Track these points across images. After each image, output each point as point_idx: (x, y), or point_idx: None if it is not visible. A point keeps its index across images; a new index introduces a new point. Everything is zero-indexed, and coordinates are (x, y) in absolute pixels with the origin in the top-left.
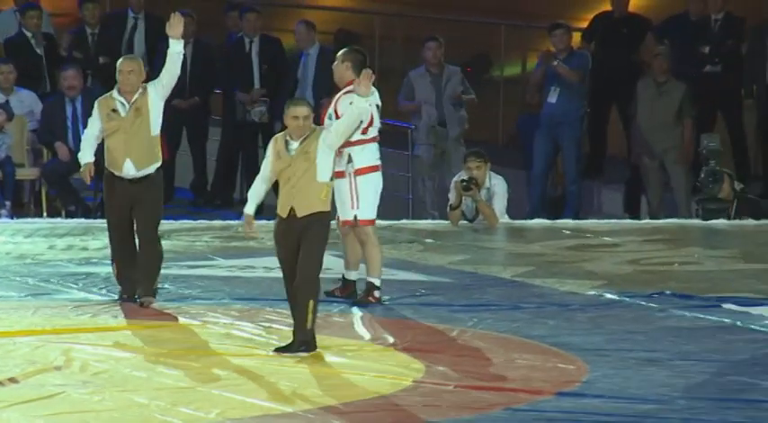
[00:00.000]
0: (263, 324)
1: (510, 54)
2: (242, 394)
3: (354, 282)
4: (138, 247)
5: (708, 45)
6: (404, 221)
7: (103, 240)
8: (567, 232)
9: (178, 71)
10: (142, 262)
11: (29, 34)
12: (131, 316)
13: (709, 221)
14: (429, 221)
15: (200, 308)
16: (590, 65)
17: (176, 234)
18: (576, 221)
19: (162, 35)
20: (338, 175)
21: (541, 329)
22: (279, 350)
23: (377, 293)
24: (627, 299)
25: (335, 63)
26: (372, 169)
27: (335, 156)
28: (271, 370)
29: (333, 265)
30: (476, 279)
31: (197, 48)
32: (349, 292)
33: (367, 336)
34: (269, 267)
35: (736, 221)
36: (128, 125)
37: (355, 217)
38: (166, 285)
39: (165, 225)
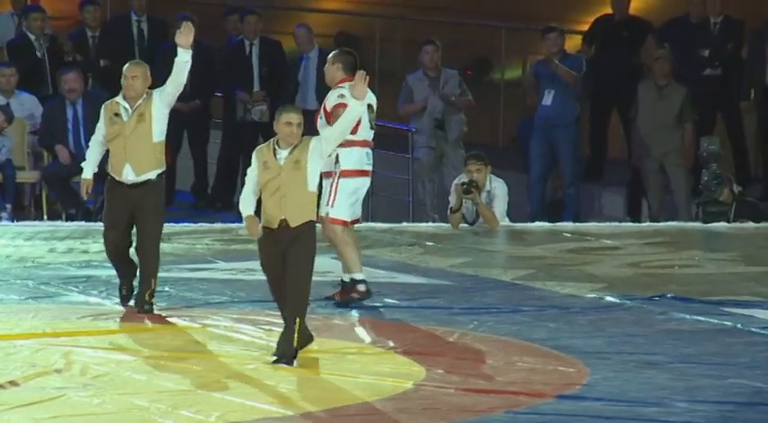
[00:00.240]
0: (263, 327)
1: (510, 57)
2: (242, 397)
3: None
4: (136, 255)
5: (707, 48)
6: (404, 224)
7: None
8: (568, 235)
9: (184, 80)
10: (140, 271)
11: (32, 37)
12: (132, 319)
13: (709, 224)
14: (429, 224)
15: (201, 311)
16: (584, 68)
17: (177, 237)
18: (577, 224)
19: (164, 39)
20: (326, 174)
21: (542, 332)
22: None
23: (361, 287)
24: (627, 302)
25: (327, 64)
26: (358, 173)
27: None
28: (271, 373)
29: (332, 268)
30: (476, 282)
31: (197, 51)
32: (347, 295)
33: (367, 339)
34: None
35: (737, 224)
36: (128, 130)
37: (327, 213)
38: (167, 288)
39: (166, 228)
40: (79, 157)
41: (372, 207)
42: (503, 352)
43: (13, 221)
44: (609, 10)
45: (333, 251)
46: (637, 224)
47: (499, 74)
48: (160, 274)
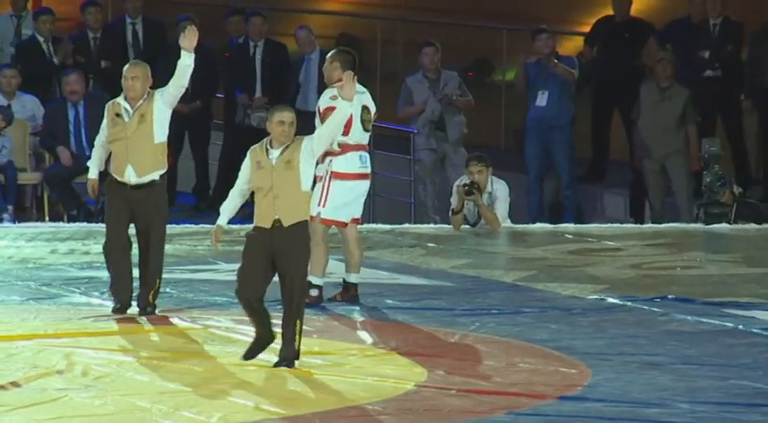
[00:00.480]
0: None
1: (512, 58)
2: (244, 398)
3: (355, 285)
4: (139, 256)
5: (707, 50)
6: (406, 225)
7: None
8: (570, 236)
9: (186, 83)
10: (143, 272)
11: (41, 39)
12: (133, 320)
13: (710, 226)
14: (431, 226)
15: (203, 312)
16: (577, 68)
17: (178, 238)
18: (578, 226)
19: (162, 41)
20: (320, 178)
21: (543, 333)
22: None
23: (313, 292)
24: (629, 303)
25: (325, 64)
26: (352, 176)
27: (319, 162)
28: (273, 374)
29: (334, 270)
30: (478, 283)
31: (198, 52)
32: (350, 296)
33: (369, 340)
34: None
35: (738, 226)
36: (130, 131)
37: (318, 213)
38: (168, 289)
39: (168, 229)
40: (81, 158)
41: (374, 208)
42: (504, 353)
43: (14, 223)
44: (610, 11)
45: (336, 253)
46: (638, 225)
47: (501, 75)
48: (162, 276)
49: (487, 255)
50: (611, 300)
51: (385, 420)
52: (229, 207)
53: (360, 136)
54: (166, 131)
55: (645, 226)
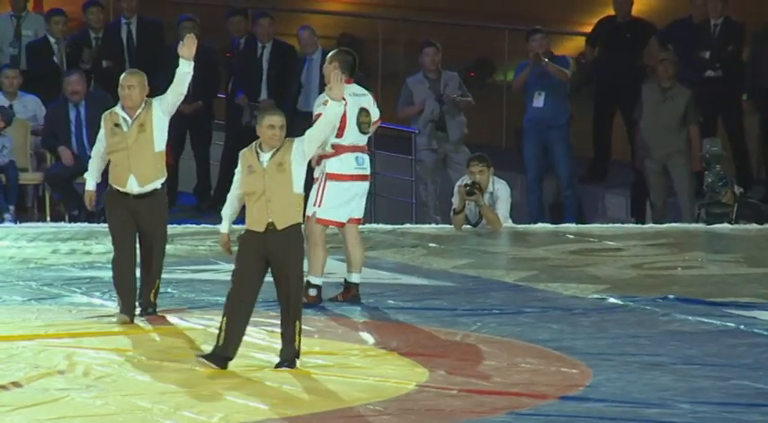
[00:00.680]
0: (266, 328)
1: (513, 58)
2: (245, 398)
3: (357, 285)
4: (141, 258)
5: (708, 50)
6: (407, 226)
7: (107, 245)
8: (571, 236)
9: (185, 91)
10: (145, 274)
11: (52, 40)
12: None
13: (712, 226)
14: (432, 226)
15: (204, 312)
16: (571, 67)
17: (180, 238)
18: (580, 226)
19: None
20: (316, 180)
21: (545, 333)
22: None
23: (312, 292)
24: (630, 303)
25: (325, 64)
26: (348, 177)
27: (315, 165)
28: (273, 374)
29: (336, 270)
30: (479, 283)
31: (199, 52)
32: (352, 296)
33: (370, 340)
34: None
35: (740, 226)
36: (130, 141)
37: (314, 213)
38: (170, 289)
39: (169, 229)
40: (82, 158)
41: (375, 208)
42: (506, 353)
43: (16, 223)
44: (611, 11)
45: (337, 253)
46: (640, 225)
47: (502, 75)
48: (163, 276)
49: (489, 255)
50: (612, 300)
51: (386, 421)
52: (229, 212)
53: (355, 138)
54: (166, 139)
55: (646, 226)
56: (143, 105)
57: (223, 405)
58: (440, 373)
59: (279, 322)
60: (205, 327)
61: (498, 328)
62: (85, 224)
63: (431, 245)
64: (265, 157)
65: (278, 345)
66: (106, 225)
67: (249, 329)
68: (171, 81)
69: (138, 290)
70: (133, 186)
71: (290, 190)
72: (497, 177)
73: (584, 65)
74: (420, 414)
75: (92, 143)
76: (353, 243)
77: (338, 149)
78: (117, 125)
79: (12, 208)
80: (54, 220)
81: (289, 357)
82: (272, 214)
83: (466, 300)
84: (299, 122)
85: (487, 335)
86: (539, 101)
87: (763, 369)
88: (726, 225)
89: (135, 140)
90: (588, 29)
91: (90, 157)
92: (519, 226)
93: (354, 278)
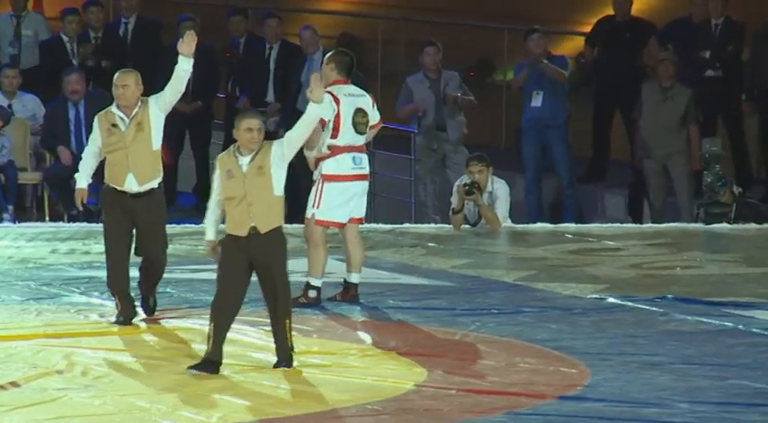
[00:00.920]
0: (263, 328)
1: (513, 58)
2: (243, 398)
3: (356, 285)
4: (141, 263)
5: (708, 49)
6: (406, 225)
7: None
8: (570, 236)
9: (183, 88)
10: (147, 277)
11: (66, 38)
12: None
13: (711, 226)
14: (431, 225)
15: (203, 311)
16: (569, 67)
17: (179, 238)
18: (579, 225)
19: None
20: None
21: (544, 333)
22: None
23: (311, 293)
24: (629, 303)
25: (322, 65)
26: (345, 178)
27: (313, 168)
28: (272, 374)
29: (335, 270)
30: (478, 283)
31: (200, 51)
32: (351, 296)
33: (368, 340)
34: None
35: (738, 225)
36: (129, 140)
37: (313, 215)
38: (168, 289)
39: (168, 229)
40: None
41: (374, 208)
42: (504, 353)
43: (15, 223)
44: (611, 11)
45: (337, 253)
46: (639, 225)
47: (502, 75)
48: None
49: (488, 254)
50: (611, 299)
51: (384, 420)
52: (213, 219)
53: (351, 138)
54: (161, 138)
55: (645, 226)
56: (139, 104)
57: (221, 405)
58: (438, 372)
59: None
60: (203, 327)
61: (497, 327)
62: (84, 224)
63: (430, 244)
64: (244, 160)
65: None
66: (105, 236)
67: (246, 329)
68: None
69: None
70: (132, 185)
71: (271, 193)
72: (496, 177)
73: (583, 65)
74: (418, 414)
75: None
76: (353, 243)
77: (334, 150)
78: (114, 125)
79: (11, 208)
80: (53, 219)
81: (285, 357)
82: (254, 218)
83: (465, 299)
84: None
85: (486, 334)
86: (537, 100)
87: (762, 369)
88: (725, 225)
89: (133, 140)
90: (588, 28)
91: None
92: (518, 226)
93: (354, 278)
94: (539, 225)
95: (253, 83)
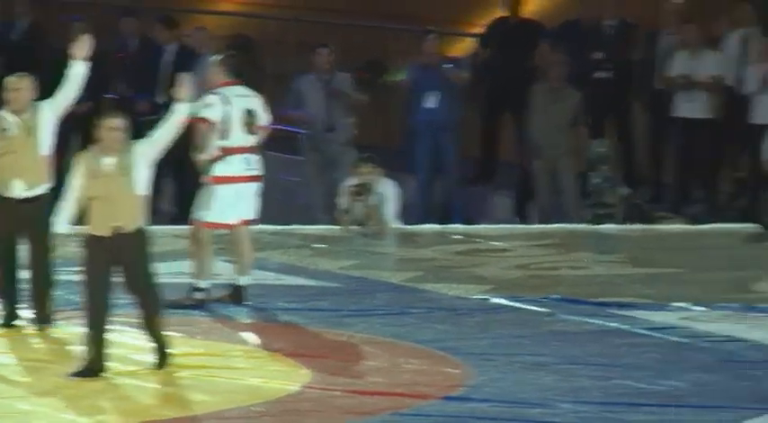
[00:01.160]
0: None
1: (405, 59)
2: (124, 401)
3: (244, 287)
4: (29, 269)
5: (601, 51)
6: (294, 226)
7: None
8: (458, 237)
9: (76, 91)
10: (35, 285)
11: None
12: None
13: (598, 226)
14: (319, 226)
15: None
16: (467, 69)
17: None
18: (467, 226)
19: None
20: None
21: (429, 334)
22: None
23: (198, 295)
24: (515, 303)
25: (210, 66)
26: (235, 179)
27: (202, 169)
28: (155, 375)
29: (222, 271)
30: (365, 284)
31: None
32: (238, 298)
33: (255, 341)
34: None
35: (625, 226)
36: (18, 145)
37: (199, 217)
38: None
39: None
40: None
41: (262, 209)
42: (390, 354)
43: None
44: (504, 12)
45: (223, 254)
46: (526, 226)
47: (392, 76)
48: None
49: (375, 255)
50: (497, 300)
51: (268, 422)
52: (67, 215)
53: (242, 139)
54: (50, 142)
55: (532, 226)
56: (30, 108)
57: (102, 407)
58: (323, 374)
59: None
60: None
61: (383, 328)
62: None
63: (317, 246)
64: (108, 160)
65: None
66: None
67: (129, 330)
68: (53, 82)
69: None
70: (19, 190)
71: (135, 193)
72: (386, 178)
73: (475, 65)
74: (303, 415)
75: None
76: (243, 245)
77: (225, 151)
78: (4, 129)
79: None
80: None
81: (162, 356)
82: (118, 218)
83: (351, 300)
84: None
85: (372, 335)
86: (431, 102)
87: (644, 369)
88: (611, 226)
89: (23, 144)
90: (480, 29)
91: None
92: (406, 227)
93: (242, 280)
94: (426, 226)
95: (148, 85)
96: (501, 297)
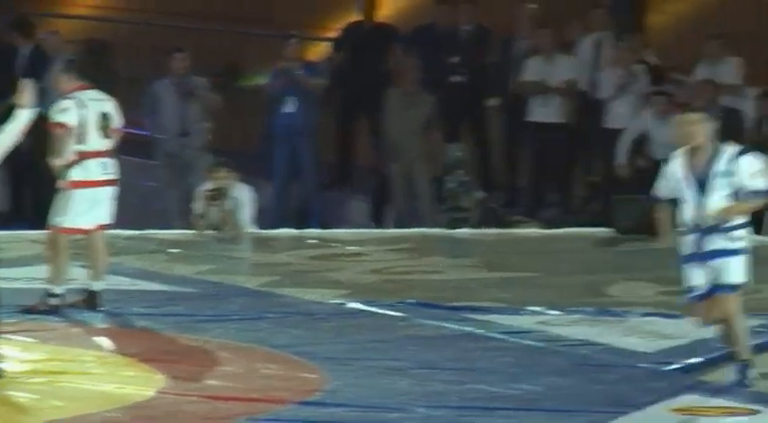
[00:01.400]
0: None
1: (260, 63)
2: None
3: (99, 292)
4: None
5: (456, 55)
6: (149, 231)
7: None
8: (313, 242)
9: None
10: None
11: None
12: None
13: (452, 230)
14: (175, 231)
15: None
16: (325, 75)
17: None
18: (323, 231)
19: None
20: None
21: (285, 339)
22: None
23: (52, 301)
24: (371, 308)
25: (60, 71)
26: (92, 184)
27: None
28: (6, 383)
29: (77, 276)
30: (221, 289)
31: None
32: (93, 303)
33: (109, 346)
34: (9, 278)
35: (479, 230)
36: None
37: (57, 223)
38: None
39: None
40: None
41: (118, 214)
42: (245, 359)
43: None
44: (358, 17)
45: (79, 259)
46: (382, 230)
47: (248, 80)
48: None
49: (231, 260)
50: (353, 305)
51: None
52: None
53: (99, 143)
54: None
55: (388, 231)
56: None
57: None
58: (179, 379)
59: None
60: None
61: (239, 333)
62: None
63: (173, 250)
64: None
65: (17, 353)
66: None
67: None
68: None
69: None
70: None
71: None
72: (241, 183)
73: (330, 70)
74: (158, 420)
75: None
76: (98, 249)
77: (82, 156)
78: None
79: None
80: None
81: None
82: None
83: (207, 305)
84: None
85: (228, 341)
86: (289, 107)
87: (499, 373)
88: (466, 230)
89: None
90: (334, 34)
91: None
92: (262, 231)
93: (97, 285)
94: (283, 230)
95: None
96: (357, 302)
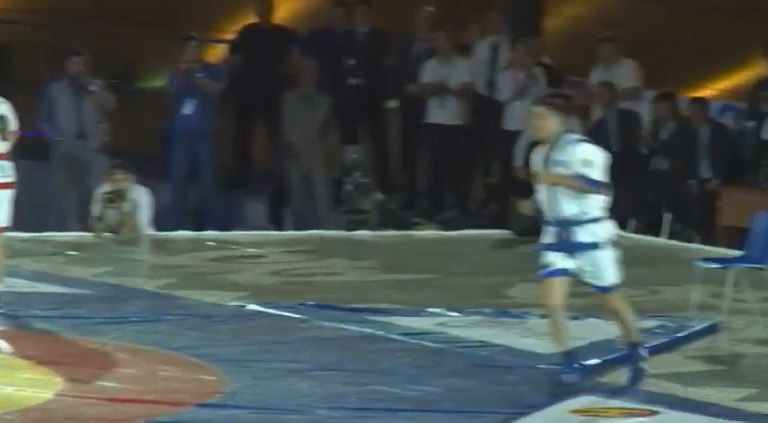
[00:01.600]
0: None
1: (158, 65)
2: None
3: None
4: None
5: (353, 58)
6: (46, 233)
7: None
8: (212, 244)
9: None
10: None
11: None
12: None
13: (351, 232)
14: (72, 233)
15: None
16: (224, 77)
17: None
18: (221, 233)
19: None
20: None
21: (184, 341)
22: None
23: None
24: (270, 310)
25: None
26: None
27: None
28: None
29: None
30: (119, 291)
31: None
32: None
33: (6, 349)
34: None
35: (378, 232)
36: None
37: None
38: None
39: None
40: None
41: (14, 216)
42: (144, 361)
43: None
44: (255, 19)
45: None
46: (280, 232)
47: (146, 82)
48: None
49: (129, 262)
50: (251, 307)
51: None
52: None
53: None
54: None
55: (286, 233)
56: None
57: None
58: (77, 381)
59: None
60: None
61: (137, 336)
62: None
63: (71, 253)
64: None
65: None
66: None
67: None
68: None
69: None
70: None
71: None
72: (139, 185)
73: (227, 72)
74: None
75: None
76: None
77: None
78: None
79: None
80: None
81: None
82: None
83: (105, 308)
84: None
85: (126, 343)
86: (188, 109)
87: (399, 374)
88: (365, 232)
89: None
90: (231, 36)
91: None
92: (160, 233)
93: None
94: (180, 232)
95: None
96: (256, 304)
